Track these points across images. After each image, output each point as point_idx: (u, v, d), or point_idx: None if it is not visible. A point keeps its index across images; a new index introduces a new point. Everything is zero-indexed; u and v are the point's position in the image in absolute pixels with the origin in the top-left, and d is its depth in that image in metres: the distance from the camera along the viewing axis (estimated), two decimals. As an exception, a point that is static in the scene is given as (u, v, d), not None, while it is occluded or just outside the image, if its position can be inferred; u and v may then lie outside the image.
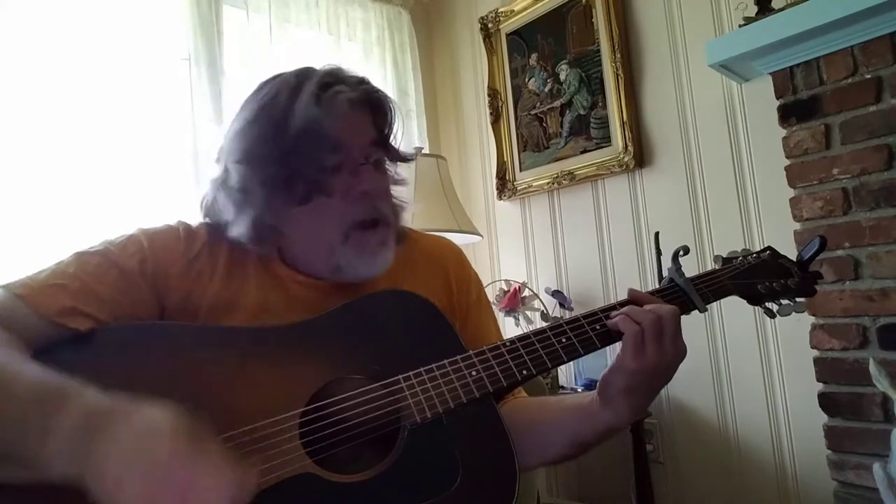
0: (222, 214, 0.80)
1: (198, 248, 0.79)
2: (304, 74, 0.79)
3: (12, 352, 0.61)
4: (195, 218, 0.84)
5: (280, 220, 0.78)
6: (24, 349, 0.62)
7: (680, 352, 0.72)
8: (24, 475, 0.55)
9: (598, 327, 0.75)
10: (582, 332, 0.75)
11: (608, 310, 0.77)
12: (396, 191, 0.89)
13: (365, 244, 0.78)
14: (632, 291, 0.78)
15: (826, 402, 1.48)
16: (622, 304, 0.77)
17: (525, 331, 0.77)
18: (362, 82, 0.82)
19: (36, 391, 0.57)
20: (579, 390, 2.04)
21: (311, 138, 0.74)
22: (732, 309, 1.74)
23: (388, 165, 0.86)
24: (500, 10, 2.42)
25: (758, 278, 0.84)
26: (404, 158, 0.88)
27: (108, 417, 0.54)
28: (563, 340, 0.74)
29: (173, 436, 0.52)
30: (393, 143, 0.85)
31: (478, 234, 2.17)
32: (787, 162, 1.56)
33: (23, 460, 0.54)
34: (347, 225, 0.77)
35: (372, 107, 0.82)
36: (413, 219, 1.97)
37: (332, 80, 0.78)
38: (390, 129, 0.83)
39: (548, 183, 2.25)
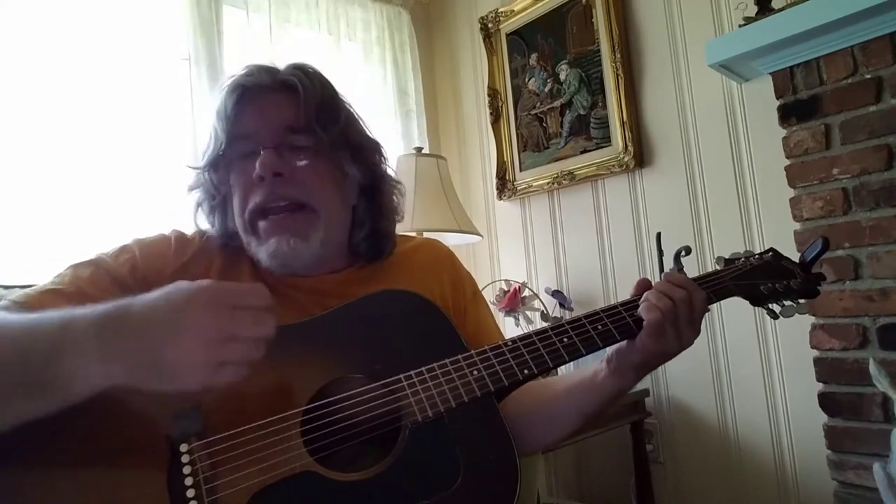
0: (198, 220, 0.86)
1: (190, 254, 0.81)
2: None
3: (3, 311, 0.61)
4: (192, 221, 0.86)
5: (223, 218, 0.83)
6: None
7: (696, 333, 0.76)
8: (44, 404, 0.53)
9: (599, 327, 0.75)
10: (584, 331, 0.75)
11: (609, 310, 0.77)
12: (382, 188, 0.88)
13: (268, 233, 0.77)
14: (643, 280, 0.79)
15: (826, 402, 1.48)
16: (624, 304, 0.77)
17: (525, 331, 0.77)
18: (287, 69, 0.81)
19: (37, 319, 0.57)
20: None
21: (212, 133, 0.80)
22: (732, 309, 1.75)
23: (346, 157, 0.83)
24: (500, 10, 2.42)
25: (760, 279, 0.84)
26: (357, 147, 0.84)
27: (124, 311, 0.55)
28: (565, 340, 0.74)
29: (200, 300, 0.55)
30: (330, 130, 0.80)
31: (478, 234, 2.17)
32: (787, 162, 1.56)
33: (41, 385, 0.53)
34: (249, 212, 0.78)
35: (292, 93, 0.80)
36: (413, 219, 1.98)
37: (243, 73, 0.80)
38: (311, 113, 0.79)
39: (548, 183, 2.25)
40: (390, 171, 0.91)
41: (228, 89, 0.79)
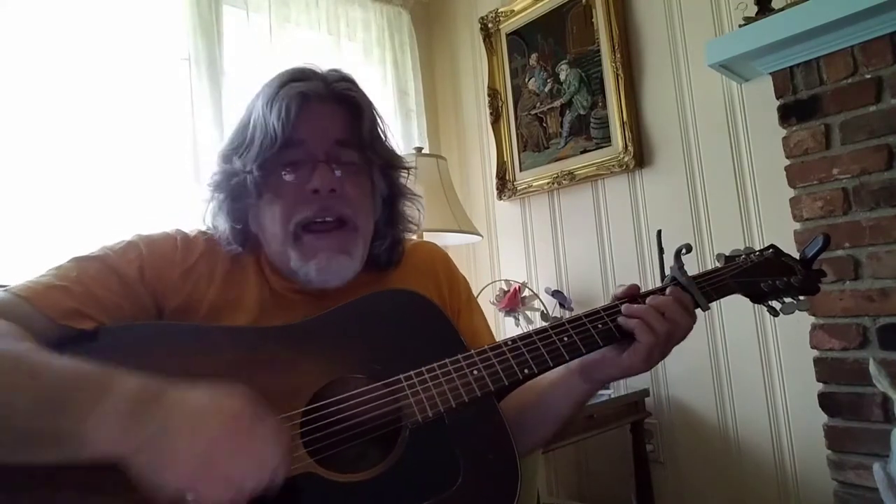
0: (214, 220, 0.83)
1: (195, 257, 0.79)
2: (282, 73, 0.80)
3: (31, 343, 0.61)
4: (195, 221, 0.85)
5: (246, 222, 0.81)
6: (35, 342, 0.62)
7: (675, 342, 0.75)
8: (50, 456, 0.53)
9: (599, 326, 0.75)
10: (584, 330, 0.75)
11: (610, 308, 0.77)
12: (403, 201, 0.89)
13: (315, 248, 0.76)
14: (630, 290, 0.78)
15: (826, 402, 1.48)
16: (620, 298, 0.77)
17: (525, 331, 0.77)
18: (338, 80, 0.80)
19: (75, 370, 0.57)
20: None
21: (260, 134, 0.76)
22: (733, 309, 1.75)
23: (377, 171, 0.84)
24: (500, 10, 2.42)
25: (761, 276, 0.84)
26: (389, 163, 0.85)
27: (160, 395, 0.55)
28: (566, 339, 0.74)
29: (227, 418, 0.54)
30: (375, 146, 0.81)
31: (478, 234, 2.17)
32: (787, 162, 1.56)
33: (55, 438, 0.53)
34: (295, 224, 0.76)
35: (344, 106, 0.80)
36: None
37: (299, 77, 0.78)
38: (365, 130, 0.80)
39: (548, 183, 2.25)
40: (410, 185, 0.91)
41: (291, 95, 0.75)
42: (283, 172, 0.77)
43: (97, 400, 0.54)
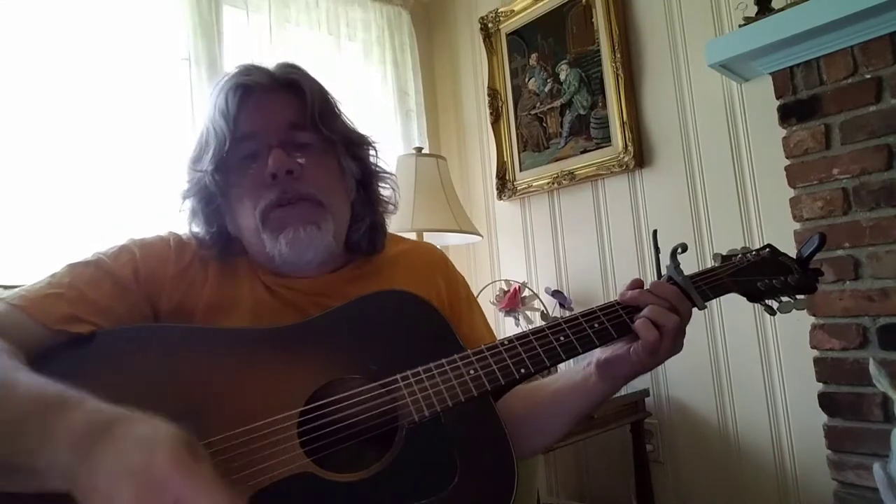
0: (191, 226, 0.84)
1: (188, 258, 0.80)
2: (228, 73, 0.82)
3: (9, 360, 0.59)
4: (188, 229, 0.85)
5: (223, 224, 0.82)
6: (21, 357, 0.61)
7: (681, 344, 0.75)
8: (18, 484, 0.51)
9: (596, 325, 0.75)
10: (580, 330, 0.75)
11: (606, 308, 0.77)
12: (376, 181, 0.89)
13: (283, 222, 0.77)
14: (634, 285, 0.78)
15: (826, 402, 1.48)
16: (621, 303, 0.77)
17: (522, 331, 0.77)
18: (282, 68, 0.82)
19: (34, 398, 0.54)
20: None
21: (212, 135, 0.78)
22: (732, 309, 1.75)
23: (342, 151, 0.84)
24: (500, 10, 2.42)
25: (757, 275, 0.84)
26: (349, 140, 0.85)
27: (106, 427, 0.50)
28: (562, 339, 0.74)
29: (170, 450, 0.48)
30: (329, 124, 0.81)
31: (478, 234, 2.17)
32: (787, 162, 1.56)
33: (18, 468, 0.51)
34: (261, 209, 0.77)
35: (292, 91, 0.81)
36: (413, 219, 1.98)
37: (242, 73, 0.80)
38: (313, 109, 0.80)
39: (548, 183, 2.24)
40: (382, 164, 0.91)
41: (229, 88, 0.78)
42: (243, 167, 0.79)
43: (45, 434, 0.50)
